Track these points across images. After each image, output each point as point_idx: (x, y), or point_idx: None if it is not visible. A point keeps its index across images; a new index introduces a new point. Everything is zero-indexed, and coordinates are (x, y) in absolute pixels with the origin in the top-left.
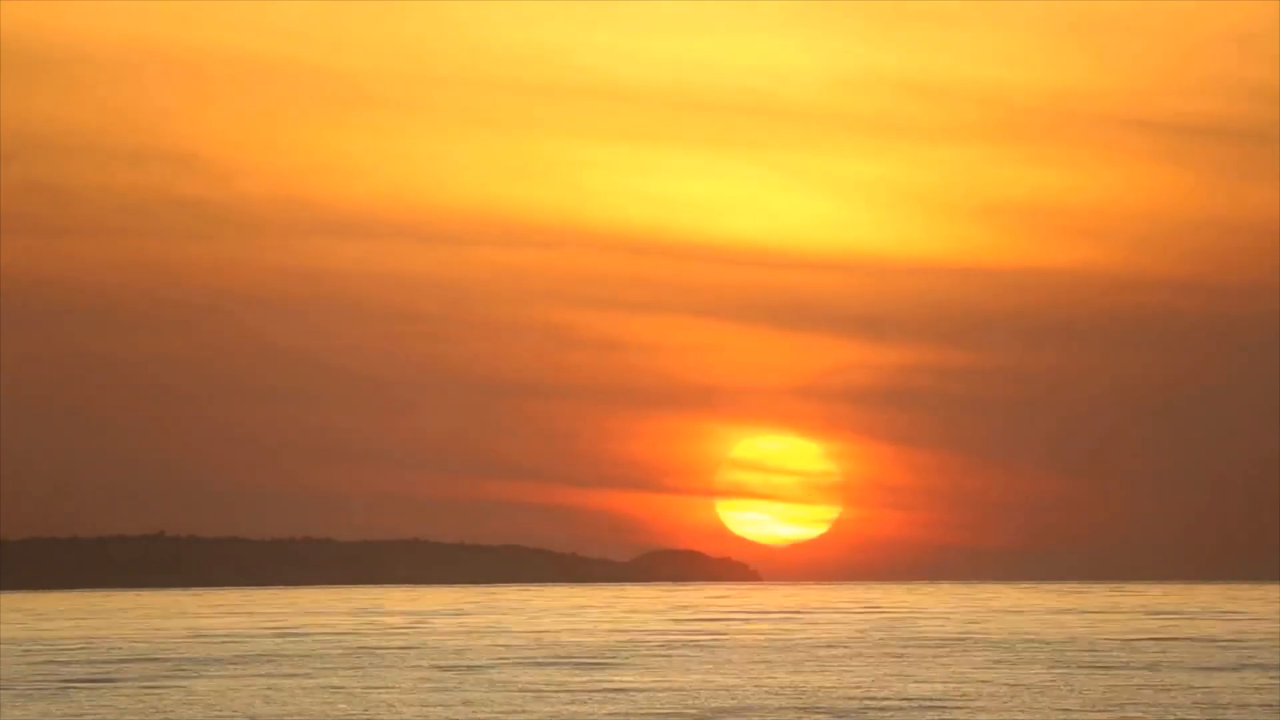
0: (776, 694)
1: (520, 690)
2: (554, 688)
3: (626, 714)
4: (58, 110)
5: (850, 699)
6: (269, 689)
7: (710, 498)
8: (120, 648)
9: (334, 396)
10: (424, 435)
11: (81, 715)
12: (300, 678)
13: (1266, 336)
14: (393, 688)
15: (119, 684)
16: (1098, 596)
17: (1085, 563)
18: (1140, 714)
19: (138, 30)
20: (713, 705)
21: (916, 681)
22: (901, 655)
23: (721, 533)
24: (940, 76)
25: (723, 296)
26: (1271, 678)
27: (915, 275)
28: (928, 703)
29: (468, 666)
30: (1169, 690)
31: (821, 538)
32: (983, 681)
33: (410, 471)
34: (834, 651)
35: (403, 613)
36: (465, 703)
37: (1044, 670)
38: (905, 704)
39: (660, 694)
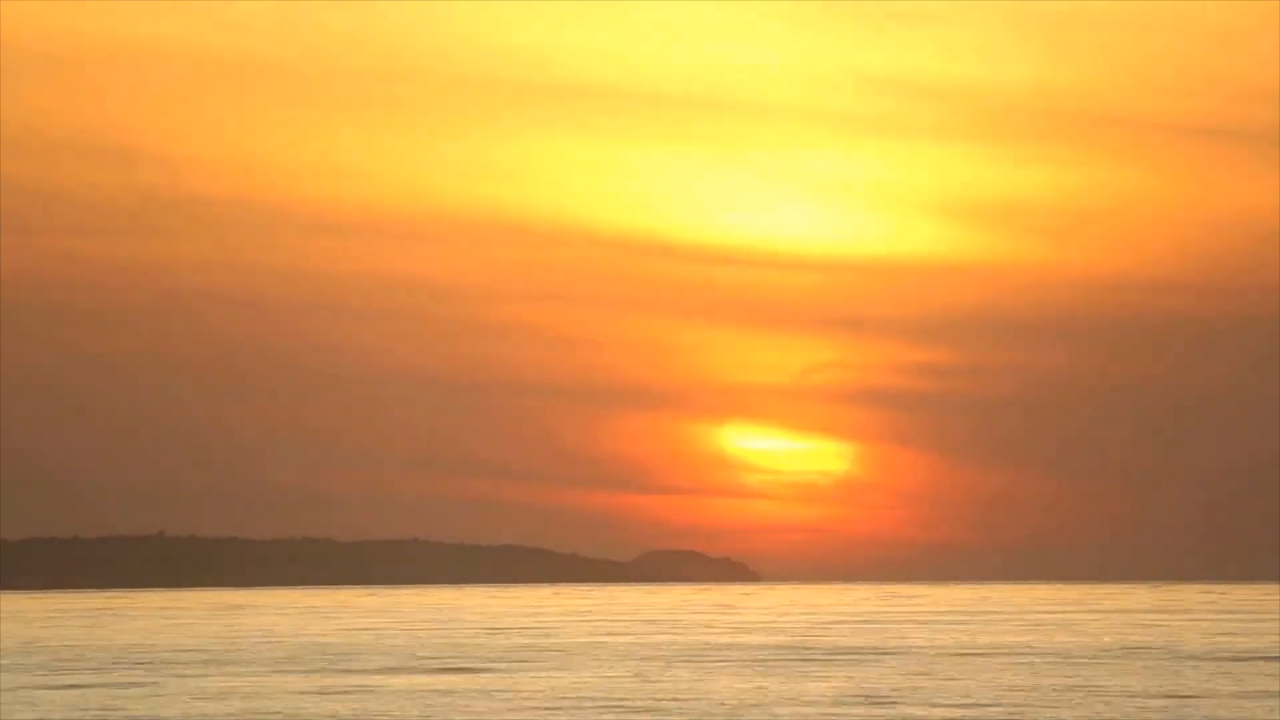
0: None
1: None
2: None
3: None
4: (55, 110)
5: None
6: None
7: (708, 497)
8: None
9: (335, 397)
10: (423, 435)
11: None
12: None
13: (1260, 336)
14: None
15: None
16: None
17: (1079, 562)
18: None
19: (133, 32)
20: None
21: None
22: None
23: (721, 533)
24: (925, 76)
25: (716, 295)
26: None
27: (900, 274)
28: None
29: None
30: None
31: (816, 536)
32: None
33: (410, 471)
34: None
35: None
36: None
37: None
38: None
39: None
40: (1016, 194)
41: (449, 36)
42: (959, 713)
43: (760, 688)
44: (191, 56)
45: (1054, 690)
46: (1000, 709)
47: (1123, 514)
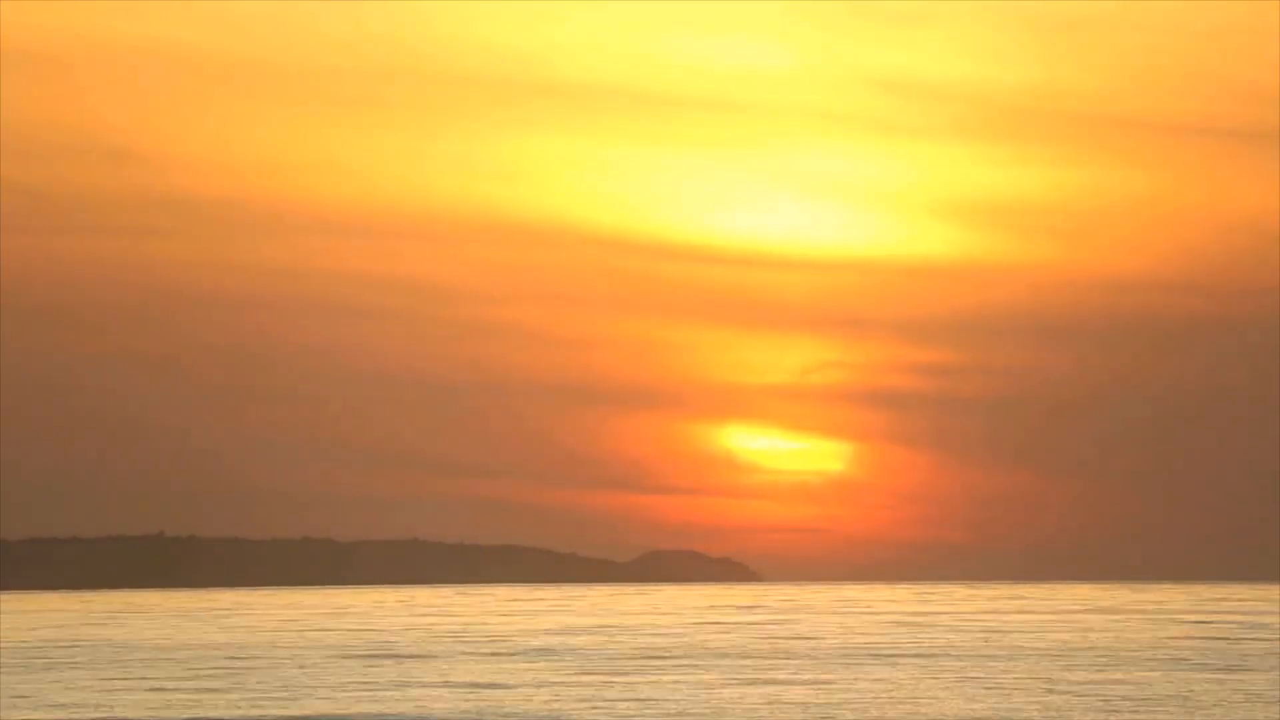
0: None
1: None
2: None
3: None
4: (53, 111)
5: None
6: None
7: (708, 497)
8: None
9: (334, 397)
10: (423, 435)
11: None
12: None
13: (1262, 337)
14: None
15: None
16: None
17: (1080, 562)
18: None
19: (129, 32)
20: None
21: None
22: None
23: (721, 532)
24: (926, 76)
25: (715, 295)
26: None
27: (901, 274)
28: None
29: None
30: None
31: (816, 536)
32: None
33: (410, 471)
34: None
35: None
36: None
37: None
38: None
39: None
40: (1018, 194)
41: (444, 36)
42: None
43: None
44: (187, 57)
45: None
46: None
47: (1124, 514)
